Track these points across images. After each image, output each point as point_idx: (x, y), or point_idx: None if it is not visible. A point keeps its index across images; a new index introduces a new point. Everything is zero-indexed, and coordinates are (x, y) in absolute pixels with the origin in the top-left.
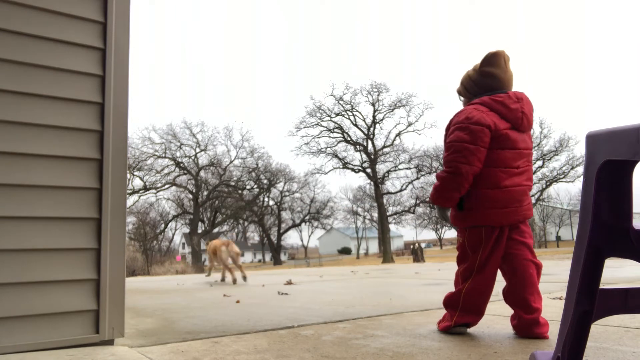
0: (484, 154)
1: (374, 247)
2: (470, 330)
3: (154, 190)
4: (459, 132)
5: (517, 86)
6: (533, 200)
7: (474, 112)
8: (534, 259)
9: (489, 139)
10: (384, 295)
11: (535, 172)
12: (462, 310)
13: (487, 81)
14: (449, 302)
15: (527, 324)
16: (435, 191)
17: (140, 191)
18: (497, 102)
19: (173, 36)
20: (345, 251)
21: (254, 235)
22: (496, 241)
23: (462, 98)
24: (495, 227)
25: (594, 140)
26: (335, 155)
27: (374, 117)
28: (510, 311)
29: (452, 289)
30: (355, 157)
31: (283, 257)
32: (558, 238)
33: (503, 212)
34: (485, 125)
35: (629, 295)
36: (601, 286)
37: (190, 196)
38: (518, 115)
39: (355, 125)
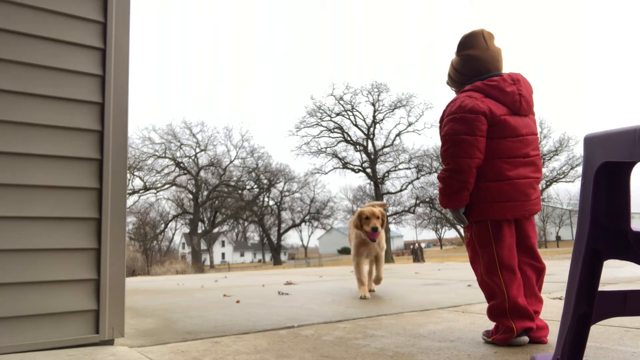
0: (483, 143)
1: None
2: (470, 330)
3: (154, 190)
4: (453, 123)
5: None
6: None
7: (467, 100)
8: (534, 261)
9: (487, 127)
10: (384, 295)
11: None
12: (515, 316)
13: (469, 66)
14: (496, 311)
15: None
16: (441, 195)
17: (140, 191)
18: (491, 87)
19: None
20: (345, 251)
21: (254, 235)
22: (509, 234)
23: (453, 89)
24: (502, 220)
25: (591, 143)
26: (335, 155)
27: (374, 117)
28: None
29: (452, 288)
30: (355, 157)
31: (283, 257)
32: (558, 238)
33: (507, 206)
34: (480, 113)
35: (628, 298)
36: (601, 286)
37: (190, 196)
38: (515, 98)
39: (355, 125)
